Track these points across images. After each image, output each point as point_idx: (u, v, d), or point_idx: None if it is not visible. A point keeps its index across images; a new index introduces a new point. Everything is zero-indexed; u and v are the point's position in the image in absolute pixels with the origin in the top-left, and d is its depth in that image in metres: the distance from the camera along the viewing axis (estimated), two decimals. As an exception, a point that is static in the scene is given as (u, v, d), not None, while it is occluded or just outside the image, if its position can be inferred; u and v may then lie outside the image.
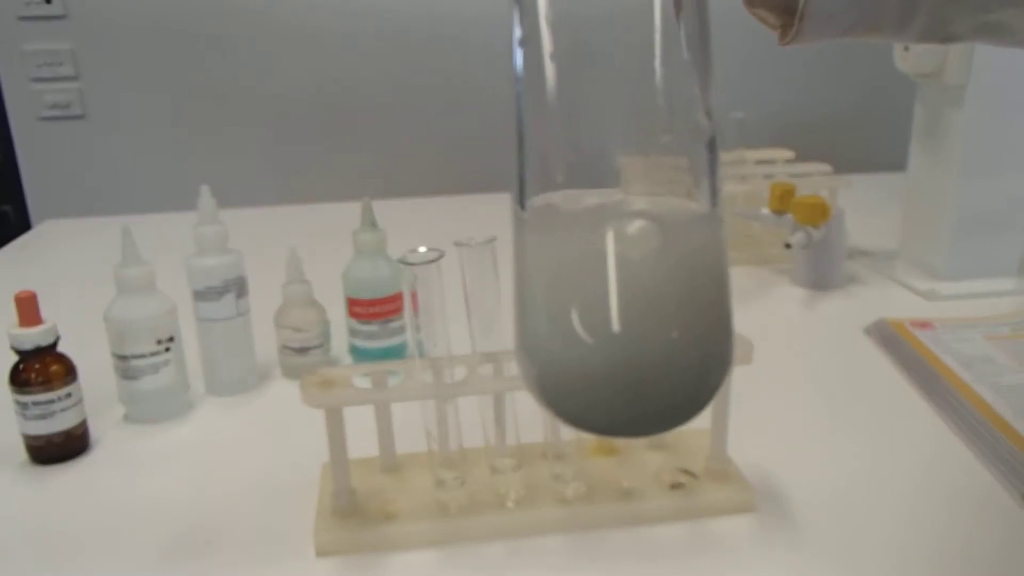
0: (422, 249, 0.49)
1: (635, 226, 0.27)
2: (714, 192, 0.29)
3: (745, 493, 0.53)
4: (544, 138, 0.29)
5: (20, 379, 0.60)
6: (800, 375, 0.73)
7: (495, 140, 1.92)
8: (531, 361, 0.29)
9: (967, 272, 0.90)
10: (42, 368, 0.60)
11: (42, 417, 0.60)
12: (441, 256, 0.49)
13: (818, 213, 0.88)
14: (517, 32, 0.28)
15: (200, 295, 0.69)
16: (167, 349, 0.66)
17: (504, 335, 0.51)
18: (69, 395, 0.61)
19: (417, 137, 1.91)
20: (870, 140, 1.81)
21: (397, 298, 0.72)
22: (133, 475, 0.60)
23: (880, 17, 0.35)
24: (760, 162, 1.12)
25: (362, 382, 0.51)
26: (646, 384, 0.27)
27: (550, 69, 0.27)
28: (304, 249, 0.75)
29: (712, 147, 0.29)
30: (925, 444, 0.62)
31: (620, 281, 0.27)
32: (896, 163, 1.07)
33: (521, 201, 0.29)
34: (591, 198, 0.28)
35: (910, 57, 0.87)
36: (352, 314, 0.73)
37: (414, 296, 0.49)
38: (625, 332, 0.26)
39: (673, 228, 0.28)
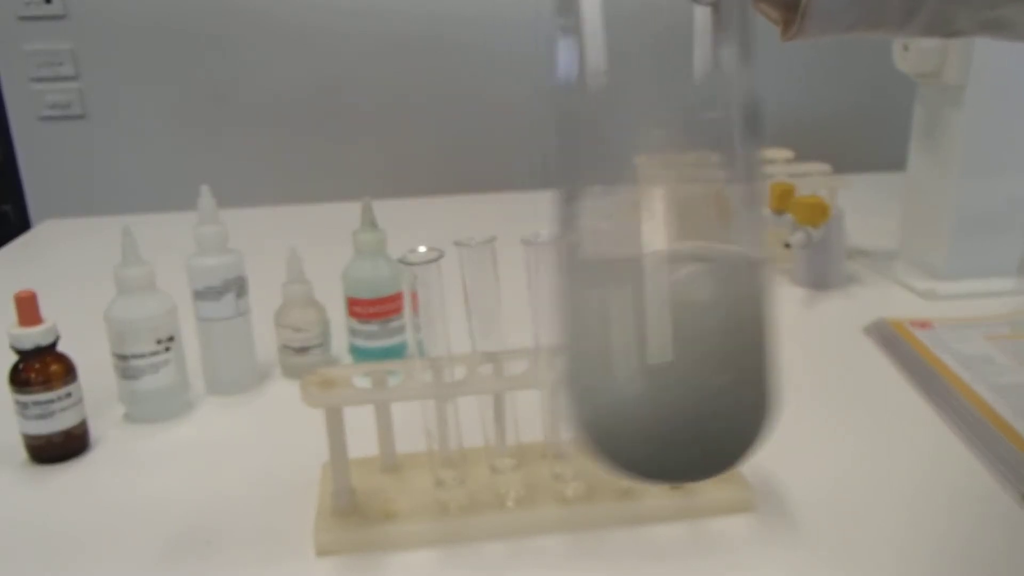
0: (422, 249, 0.49)
1: (686, 272, 0.28)
2: (758, 237, 0.29)
3: (744, 492, 0.53)
4: (588, 141, 0.29)
5: (20, 379, 0.60)
6: (799, 375, 0.73)
7: (495, 140, 1.93)
8: (582, 408, 0.29)
9: (967, 272, 0.90)
10: (42, 368, 0.60)
11: (42, 417, 0.60)
12: (441, 256, 0.49)
13: (818, 213, 0.88)
14: (560, 24, 0.28)
15: (200, 295, 0.69)
16: (167, 349, 0.66)
17: (504, 335, 0.51)
18: (69, 395, 0.61)
19: (417, 137, 1.91)
20: (870, 140, 1.81)
21: (397, 298, 0.72)
22: (133, 475, 0.60)
23: (882, 15, 0.35)
24: (760, 162, 1.11)
25: (362, 382, 0.51)
26: (699, 431, 0.27)
27: (593, 70, 0.27)
28: (304, 249, 0.75)
29: (755, 196, 0.29)
30: (924, 444, 0.62)
31: (675, 327, 0.27)
32: (896, 163, 1.07)
33: (567, 215, 0.29)
34: (638, 242, 0.28)
35: (910, 57, 0.87)
36: (352, 314, 0.73)
37: (414, 296, 0.49)
38: (678, 378, 0.27)
39: (723, 274, 0.28)
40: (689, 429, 0.27)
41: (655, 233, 0.28)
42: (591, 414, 0.29)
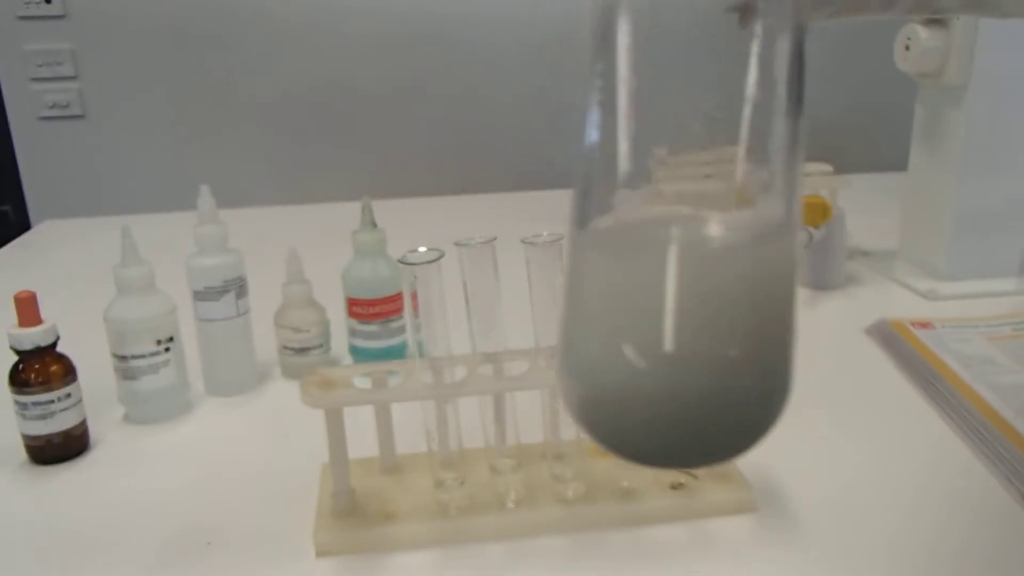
0: (422, 249, 0.49)
1: (705, 246, 0.25)
2: (789, 200, 0.26)
3: (745, 493, 0.53)
4: (618, 140, 0.26)
5: (19, 379, 0.60)
6: (801, 375, 0.73)
7: (495, 140, 1.92)
8: (577, 384, 0.27)
9: (967, 272, 0.90)
10: (42, 368, 0.60)
11: (42, 417, 0.60)
12: (441, 256, 0.48)
13: (818, 213, 0.88)
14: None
15: (200, 295, 0.69)
16: (167, 349, 0.66)
17: (504, 335, 0.51)
18: (69, 395, 0.61)
19: (417, 137, 1.91)
20: (870, 140, 1.81)
21: (397, 298, 0.72)
22: (133, 476, 0.60)
23: (866, 1, 0.35)
24: (760, 162, 1.11)
25: (362, 382, 0.51)
26: (700, 410, 0.25)
27: (629, 67, 0.26)
28: (304, 249, 0.75)
29: (794, 152, 0.26)
30: (926, 444, 0.61)
31: (677, 298, 0.24)
32: (897, 163, 1.07)
33: (582, 216, 0.27)
34: (653, 211, 0.26)
35: (911, 57, 0.87)
36: (352, 314, 0.72)
37: (414, 296, 0.49)
38: (679, 353, 0.24)
39: (746, 249, 0.25)
40: (697, 415, 0.25)
41: (675, 210, 0.26)
42: (591, 392, 0.26)
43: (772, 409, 0.26)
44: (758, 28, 0.26)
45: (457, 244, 0.48)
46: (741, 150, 0.26)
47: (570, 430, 0.53)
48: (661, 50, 0.27)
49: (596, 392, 0.26)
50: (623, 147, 0.26)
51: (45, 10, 1.74)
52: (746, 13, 0.26)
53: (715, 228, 0.26)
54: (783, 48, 0.26)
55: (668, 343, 0.24)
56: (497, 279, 0.49)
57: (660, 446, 0.26)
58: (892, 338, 0.78)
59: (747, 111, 0.26)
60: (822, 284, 0.93)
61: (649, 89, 0.26)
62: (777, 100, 0.26)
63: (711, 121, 0.26)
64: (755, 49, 0.26)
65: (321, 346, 0.74)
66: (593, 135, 0.27)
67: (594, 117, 0.27)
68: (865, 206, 1.08)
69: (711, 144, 0.26)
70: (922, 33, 0.85)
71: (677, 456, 0.26)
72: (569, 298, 0.27)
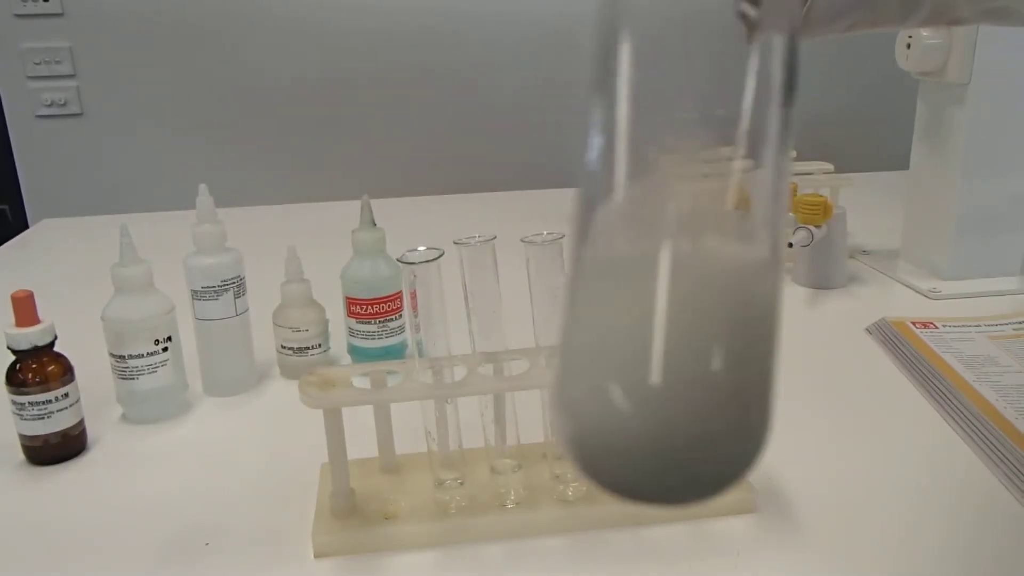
0: (421, 248, 0.48)
1: (692, 281, 0.26)
2: (775, 230, 0.27)
3: (746, 494, 0.53)
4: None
5: (17, 379, 0.59)
6: (802, 375, 0.73)
7: (495, 140, 1.92)
8: (567, 421, 0.27)
9: (969, 271, 0.90)
10: (39, 368, 0.60)
11: (39, 417, 0.60)
12: (441, 255, 0.48)
13: (820, 212, 0.88)
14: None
15: (198, 294, 0.69)
16: (165, 349, 0.66)
17: (504, 335, 0.50)
18: (66, 395, 0.61)
19: (417, 136, 1.91)
20: (872, 138, 1.80)
21: (396, 297, 0.72)
22: (131, 476, 0.60)
23: (883, 14, 0.35)
24: (761, 161, 1.11)
25: (361, 382, 0.51)
26: (684, 451, 0.25)
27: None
28: (303, 248, 0.74)
29: (779, 188, 0.27)
30: (927, 444, 0.61)
31: (661, 341, 0.25)
32: (898, 162, 1.07)
33: (581, 242, 0.28)
34: (644, 245, 0.27)
35: (912, 56, 0.87)
36: (351, 314, 0.72)
37: (413, 296, 0.48)
38: (662, 394, 0.25)
39: (732, 282, 0.26)
40: (681, 455, 0.25)
41: (664, 235, 0.26)
42: (579, 430, 0.27)
43: (752, 447, 0.27)
44: (760, 39, 0.26)
45: (457, 243, 0.48)
46: (739, 150, 0.26)
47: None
48: (662, 63, 0.28)
49: (584, 430, 0.27)
50: (624, 165, 0.27)
51: (43, 8, 1.73)
52: (751, 27, 0.27)
53: (701, 264, 0.27)
54: (779, 55, 0.27)
55: (652, 382, 0.25)
56: (497, 279, 0.49)
57: (646, 485, 0.26)
58: (894, 337, 0.77)
59: (745, 114, 0.26)
60: (823, 283, 0.92)
61: (649, 103, 0.27)
62: (773, 104, 0.27)
63: (711, 124, 0.27)
64: (755, 57, 0.27)
65: (320, 346, 0.74)
66: (594, 156, 0.28)
67: (595, 138, 0.28)
68: (867, 205, 1.08)
69: (710, 145, 0.27)
70: (923, 32, 0.85)
71: (663, 494, 0.27)
72: (561, 337, 0.28)
